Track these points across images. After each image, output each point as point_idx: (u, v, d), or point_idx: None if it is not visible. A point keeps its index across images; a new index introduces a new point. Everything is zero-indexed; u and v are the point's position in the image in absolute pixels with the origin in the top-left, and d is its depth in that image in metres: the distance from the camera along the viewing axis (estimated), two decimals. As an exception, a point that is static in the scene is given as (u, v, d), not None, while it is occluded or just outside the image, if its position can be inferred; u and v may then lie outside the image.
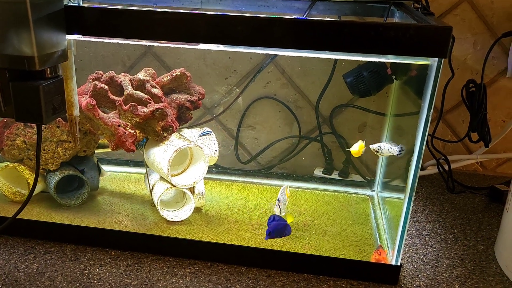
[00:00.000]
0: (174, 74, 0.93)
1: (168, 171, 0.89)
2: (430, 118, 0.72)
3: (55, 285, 0.79)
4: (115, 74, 0.91)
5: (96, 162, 1.03)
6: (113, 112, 0.88)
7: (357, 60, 1.00)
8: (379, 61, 0.97)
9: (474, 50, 1.17)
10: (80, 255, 0.88)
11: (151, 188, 0.98)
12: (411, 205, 0.78)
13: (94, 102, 0.85)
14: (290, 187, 1.12)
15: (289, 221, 0.85)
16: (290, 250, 0.87)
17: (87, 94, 0.89)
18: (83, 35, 0.73)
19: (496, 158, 1.27)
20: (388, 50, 0.68)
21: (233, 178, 1.15)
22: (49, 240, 0.91)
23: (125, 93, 0.87)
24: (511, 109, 1.22)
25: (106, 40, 0.77)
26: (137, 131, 0.87)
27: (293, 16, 0.74)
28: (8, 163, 0.97)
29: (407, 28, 0.65)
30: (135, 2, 1.03)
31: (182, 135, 0.95)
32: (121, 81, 0.89)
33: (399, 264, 0.82)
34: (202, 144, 0.98)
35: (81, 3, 0.98)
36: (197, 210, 1.00)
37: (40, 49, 0.64)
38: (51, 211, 0.97)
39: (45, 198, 1.01)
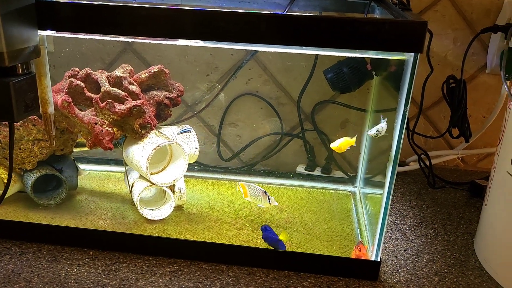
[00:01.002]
0: (152, 71, 0.92)
1: (147, 169, 0.88)
2: (407, 114, 0.72)
3: (30, 286, 0.78)
4: (91, 71, 0.89)
5: (73, 161, 1.01)
6: (89, 109, 0.86)
7: (338, 56, 1.00)
8: (359, 57, 0.97)
9: (454, 46, 1.18)
10: (57, 255, 0.86)
11: (130, 186, 0.97)
12: (390, 200, 0.78)
13: (70, 99, 0.84)
14: (272, 184, 1.12)
15: (282, 238, 0.85)
16: (271, 248, 0.86)
17: (63, 92, 0.87)
18: (56, 31, 0.71)
19: (477, 154, 1.28)
20: (365, 45, 0.67)
21: (215, 175, 1.14)
22: (26, 241, 0.89)
23: (102, 90, 0.86)
24: (491, 105, 1.23)
25: (81, 36, 0.76)
26: (115, 129, 0.86)
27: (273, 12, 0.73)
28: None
29: (382, 23, 0.65)
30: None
31: (161, 133, 0.94)
32: (97, 78, 0.87)
33: (379, 259, 0.82)
34: (182, 141, 0.97)
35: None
36: (178, 208, 0.99)
37: (10, 44, 0.62)
38: (28, 211, 0.95)
39: (22, 198, 0.99)
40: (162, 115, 0.94)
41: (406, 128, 0.97)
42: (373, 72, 0.98)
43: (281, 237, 0.85)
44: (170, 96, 0.91)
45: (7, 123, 0.91)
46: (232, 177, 1.14)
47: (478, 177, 1.21)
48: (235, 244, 0.87)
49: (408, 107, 0.71)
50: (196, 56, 1.13)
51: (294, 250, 0.86)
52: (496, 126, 1.22)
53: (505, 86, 0.89)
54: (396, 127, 0.73)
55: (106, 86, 0.86)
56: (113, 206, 0.99)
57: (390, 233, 0.98)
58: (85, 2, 0.69)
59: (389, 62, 0.92)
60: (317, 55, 1.06)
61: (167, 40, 0.78)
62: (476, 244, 0.94)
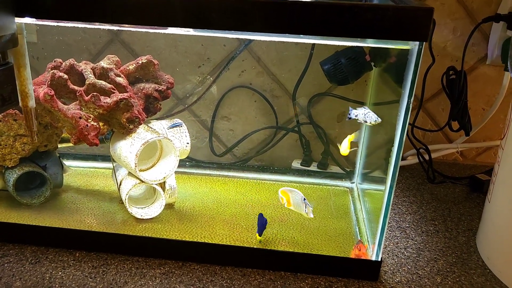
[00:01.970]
0: (140, 62, 0.87)
1: (135, 166, 0.84)
2: (411, 106, 0.68)
3: (12, 292, 0.73)
4: (75, 62, 0.84)
5: (57, 157, 0.96)
6: (73, 103, 0.81)
7: (335, 46, 0.96)
8: (357, 47, 0.93)
9: (454, 36, 1.14)
10: (41, 257, 0.82)
11: (118, 184, 0.92)
12: (392, 197, 0.75)
13: (53, 92, 0.79)
14: (267, 180, 1.08)
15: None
16: (266, 248, 0.83)
17: (45, 84, 0.82)
18: (36, 18, 0.66)
19: (476, 147, 1.25)
20: (365, 34, 0.63)
21: (208, 171, 1.10)
22: (8, 242, 0.85)
23: (87, 82, 0.81)
24: (491, 97, 1.20)
25: (64, 24, 0.71)
26: (101, 124, 0.81)
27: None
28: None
29: (385, 10, 0.61)
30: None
31: (150, 127, 0.89)
32: (82, 70, 0.82)
33: (379, 259, 0.79)
34: (173, 136, 0.92)
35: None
36: (169, 206, 0.94)
37: (-18, 32, 0.57)
38: (10, 210, 0.90)
39: (4, 197, 0.94)
40: (151, 108, 0.89)
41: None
42: (372, 63, 0.94)
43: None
44: (160, 88, 0.86)
45: (-15, 118, 0.86)
46: (225, 173, 1.09)
47: (477, 171, 1.18)
48: (229, 244, 0.83)
49: (412, 99, 0.67)
50: (187, 47, 1.08)
51: (290, 250, 0.82)
52: (496, 119, 1.19)
53: None
54: (399, 121, 0.69)
55: (91, 78, 0.81)
56: (100, 204, 0.94)
57: (389, 230, 0.95)
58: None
59: (389, 53, 0.88)
60: (313, 45, 1.02)
61: (157, 29, 0.74)
62: (478, 241, 0.91)
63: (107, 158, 1.09)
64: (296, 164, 1.13)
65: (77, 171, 1.06)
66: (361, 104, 1.03)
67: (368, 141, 1.02)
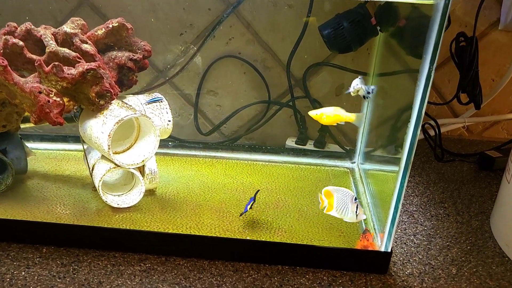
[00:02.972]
0: (111, 26, 0.74)
1: (109, 148, 0.72)
2: (432, 75, 0.57)
3: (-36, 298, 0.63)
4: (33, 27, 0.72)
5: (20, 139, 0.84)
6: (32, 75, 0.69)
7: (336, 8, 0.84)
8: (361, 9, 0.82)
9: (464, -2, 1.04)
10: (1, 254, 0.72)
11: (91, 169, 0.81)
12: (406, 180, 0.65)
13: (6, 62, 0.66)
14: (259, 161, 0.98)
15: None
16: (260, 239, 0.73)
17: (-3, 53, 0.69)
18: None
19: (484, 122, 1.16)
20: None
21: (193, 152, 1.00)
22: (-38, 238, 0.74)
23: (47, 50, 0.69)
24: (502, 66, 1.10)
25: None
26: (65, 99, 0.70)
27: None
28: None
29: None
30: None
31: (125, 103, 0.77)
32: (41, 36, 0.70)
33: (389, 250, 0.70)
34: (152, 113, 0.81)
35: None
36: (150, 193, 0.84)
37: None
38: (-34, 201, 0.79)
39: (-42, 185, 0.82)
40: (126, 81, 0.77)
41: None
42: (378, 28, 0.82)
43: None
44: (135, 57, 0.74)
45: None
46: (213, 153, 1.00)
47: (485, 148, 1.10)
48: (218, 235, 0.74)
49: (434, 66, 0.56)
50: (166, 11, 0.96)
51: (288, 242, 0.73)
52: (507, 90, 1.10)
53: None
54: (418, 92, 0.59)
55: (52, 45, 0.69)
56: (71, 192, 0.83)
57: (396, 215, 0.86)
58: None
59: (398, 15, 0.77)
60: (310, 6, 0.90)
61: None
62: (493, 226, 0.83)
63: (79, 139, 0.97)
64: (290, 142, 1.03)
65: (44, 154, 0.94)
66: (364, 74, 0.93)
67: (371, 116, 0.92)
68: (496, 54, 1.09)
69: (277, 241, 0.73)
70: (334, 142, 1.01)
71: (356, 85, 0.73)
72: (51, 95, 0.67)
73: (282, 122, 1.05)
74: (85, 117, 0.76)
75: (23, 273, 0.69)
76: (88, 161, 0.83)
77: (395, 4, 0.76)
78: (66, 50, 0.69)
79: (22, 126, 0.85)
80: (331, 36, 0.83)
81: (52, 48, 0.69)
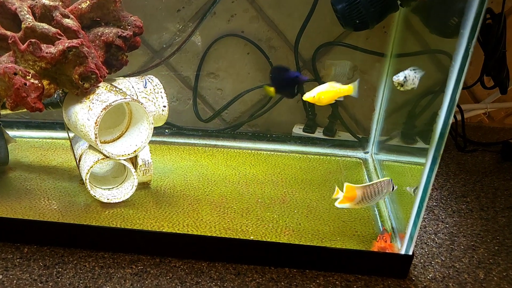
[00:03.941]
0: (96, -1, 0.65)
1: (96, 137, 0.65)
2: (470, 54, 0.49)
3: None
4: (7, -1, 0.63)
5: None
6: (6, 54, 0.61)
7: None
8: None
9: (491, -30, 0.94)
10: (-22, 256, 0.65)
11: (78, 159, 0.73)
12: (434, 174, 0.57)
13: (-25, 40, 0.58)
14: (264, 150, 0.90)
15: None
16: (265, 239, 0.66)
17: (-34, 29, 0.61)
18: None
19: (506, 108, 1.08)
20: None
21: (191, 140, 0.93)
22: None
23: (23, 26, 0.61)
24: (529, 47, 1.01)
25: None
26: (45, 82, 0.62)
27: None
28: None
29: None
30: None
31: (114, 87, 0.69)
32: (16, 9, 0.62)
33: (410, 253, 0.62)
34: (145, 98, 0.72)
35: None
36: (143, 186, 0.76)
37: None
38: None
39: None
40: (114, 61, 0.69)
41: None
42: (399, 2, 0.73)
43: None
44: (124, 34, 0.66)
45: None
46: (213, 142, 0.93)
47: (508, 136, 1.02)
48: (218, 234, 0.67)
49: (474, 42, 0.48)
50: (162, -15, 0.87)
51: (296, 242, 0.65)
52: (534, 73, 1.01)
53: None
54: (453, 73, 0.50)
55: (29, 20, 0.61)
56: (57, 185, 0.76)
57: (414, 211, 0.78)
58: None
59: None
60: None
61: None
62: (523, 223, 0.75)
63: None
64: (297, 130, 0.95)
65: (30, 143, 0.87)
66: (381, 55, 0.84)
67: (387, 102, 0.84)
68: (524, 33, 1.00)
69: (284, 241, 0.66)
70: (346, 130, 0.93)
71: (409, 76, 0.63)
72: (28, 77, 0.59)
73: (289, 107, 0.97)
74: (69, 102, 0.68)
75: (0, 276, 0.62)
76: (75, 151, 0.75)
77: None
78: (45, 26, 0.61)
79: (3, 112, 0.77)
80: (345, 12, 0.74)
81: (29, 24, 0.60)
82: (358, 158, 0.89)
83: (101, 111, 0.64)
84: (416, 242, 0.71)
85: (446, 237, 0.73)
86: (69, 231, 0.67)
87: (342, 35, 0.90)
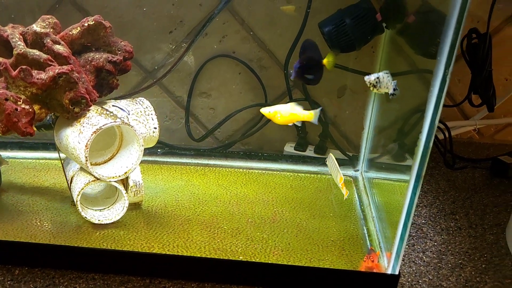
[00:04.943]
0: (87, 24, 0.67)
1: (86, 160, 0.66)
2: (448, 79, 0.50)
3: None
4: (-1, 26, 0.64)
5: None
6: (-2, 80, 0.62)
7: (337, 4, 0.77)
8: (365, 4, 0.74)
9: (476, -9, 0.96)
10: (-31, 278, 0.65)
11: (69, 181, 0.74)
12: (419, 189, 0.58)
13: (-33, 66, 0.59)
14: (255, 169, 0.91)
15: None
16: (255, 260, 0.66)
17: (-40, 56, 0.62)
18: None
19: (495, 124, 1.09)
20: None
21: (183, 160, 0.93)
22: None
23: (15, 52, 0.62)
24: (517, 65, 1.03)
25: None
26: (36, 107, 0.63)
27: None
28: None
29: None
30: None
31: (105, 110, 0.70)
32: (8, 36, 0.63)
33: (397, 273, 0.63)
34: (136, 120, 0.73)
35: None
36: (135, 206, 0.77)
37: None
38: None
39: None
40: (105, 85, 0.70)
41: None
42: (384, 24, 0.75)
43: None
44: (114, 59, 0.67)
45: None
46: (205, 161, 0.93)
47: (497, 152, 1.03)
48: (208, 255, 0.67)
49: (450, 69, 0.49)
50: (154, 7, 0.89)
51: (284, 263, 0.66)
52: (522, 91, 1.03)
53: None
54: (432, 98, 0.52)
55: (20, 46, 0.62)
56: (49, 206, 0.77)
57: (403, 229, 0.79)
58: None
59: (406, 10, 0.70)
60: (310, 1, 0.82)
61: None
62: (510, 240, 0.76)
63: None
64: (289, 148, 0.96)
65: (23, 164, 0.87)
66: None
67: (376, 119, 0.85)
68: (511, 51, 1.01)
69: (273, 262, 0.66)
70: (336, 148, 0.94)
71: (383, 78, 0.65)
72: (19, 103, 0.61)
73: (280, 126, 0.97)
74: (60, 125, 0.69)
75: (-9, 299, 0.62)
76: (67, 173, 0.76)
77: (403, -2, 0.69)
78: (36, 52, 0.62)
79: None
80: (332, 34, 0.75)
81: (20, 50, 0.62)
82: (348, 176, 0.90)
83: (92, 135, 0.65)
84: (404, 261, 0.72)
85: (434, 255, 0.73)
86: (60, 253, 0.67)
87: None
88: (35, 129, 0.67)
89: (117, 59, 0.67)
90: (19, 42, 0.62)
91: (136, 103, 0.75)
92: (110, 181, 0.70)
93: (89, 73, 0.67)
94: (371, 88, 0.69)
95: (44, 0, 0.89)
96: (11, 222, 0.72)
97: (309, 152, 0.95)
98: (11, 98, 0.60)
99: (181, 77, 0.95)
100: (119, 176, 0.70)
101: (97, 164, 0.72)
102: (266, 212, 0.77)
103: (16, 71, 0.60)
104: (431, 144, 0.56)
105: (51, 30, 0.65)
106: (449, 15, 0.48)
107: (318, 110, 0.71)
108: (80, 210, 0.71)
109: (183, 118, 0.97)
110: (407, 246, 0.75)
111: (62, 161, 0.77)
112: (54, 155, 0.91)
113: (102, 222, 0.72)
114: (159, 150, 0.93)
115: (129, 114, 0.69)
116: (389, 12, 0.73)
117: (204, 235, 0.71)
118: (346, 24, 0.74)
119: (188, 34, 0.91)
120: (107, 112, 0.69)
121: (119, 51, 0.69)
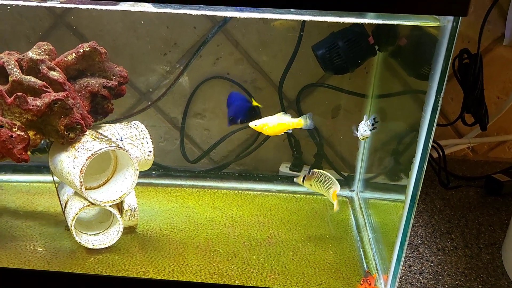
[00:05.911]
0: (82, 51, 0.67)
1: (81, 185, 0.65)
2: (439, 105, 0.51)
3: None
4: (-5, 53, 0.65)
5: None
6: (-7, 107, 0.62)
7: (331, 26, 0.78)
8: (357, 28, 0.75)
9: (467, 13, 0.97)
10: (-40, 307, 0.64)
11: (63, 206, 0.74)
12: (414, 211, 0.58)
13: (-38, 93, 0.59)
14: (250, 190, 0.91)
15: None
16: (251, 284, 0.66)
17: (-46, 83, 0.62)
18: None
19: (489, 142, 1.10)
20: (382, 7, 0.46)
21: (179, 181, 0.93)
22: None
23: (10, 79, 0.62)
24: (507, 83, 1.04)
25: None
26: (31, 133, 0.63)
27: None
28: None
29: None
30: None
31: (99, 134, 0.70)
32: (3, 63, 0.63)
33: (394, 296, 0.63)
34: (131, 143, 0.73)
35: None
36: (130, 230, 0.76)
37: None
38: None
39: None
40: (100, 110, 0.70)
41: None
42: (376, 47, 0.76)
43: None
44: (109, 84, 0.67)
45: None
46: (200, 183, 0.92)
47: (492, 170, 1.03)
48: (203, 279, 0.67)
49: (442, 94, 0.50)
50: (149, 29, 0.89)
51: (280, 287, 0.65)
52: (514, 109, 1.04)
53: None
54: (424, 123, 0.52)
55: (16, 73, 0.62)
56: (43, 231, 0.76)
57: (399, 250, 0.79)
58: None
59: (398, 33, 0.71)
60: (303, 24, 0.83)
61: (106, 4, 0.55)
62: (506, 259, 0.76)
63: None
64: (284, 169, 0.96)
65: (17, 188, 0.87)
66: (362, 96, 0.86)
67: (371, 140, 0.86)
68: (502, 70, 1.03)
69: (269, 286, 0.66)
70: (332, 168, 0.94)
71: (365, 131, 0.67)
72: (14, 129, 0.60)
73: (275, 146, 0.98)
74: (55, 150, 0.69)
75: (-17, 329, 0.61)
76: (61, 197, 0.75)
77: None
78: (32, 79, 0.62)
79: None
80: (325, 57, 0.76)
81: (16, 77, 0.62)
82: (344, 196, 0.90)
83: (86, 160, 0.65)
84: (401, 282, 0.71)
85: (431, 276, 0.73)
86: (54, 279, 0.67)
87: (325, 75, 0.92)
88: (30, 153, 0.67)
89: (112, 84, 0.68)
90: (14, 69, 0.62)
91: (131, 126, 0.76)
92: (104, 205, 0.70)
93: (84, 98, 0.67)
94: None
95: (39, 23, 0.90)
96: (4, 248, 0.71)
97: (305, 172, 0.95)
98: (6, 124, 0.60)
99: (176, 99, 0.95)
100: (114, 200, 0.70)
101: (91, 188, 0.72)
102: (262, 235, 0.77)
103: (11, 98, 0.60)
104: (425, 167, 0.56)
105: (47, 56, 0.65)
106: (441, 38, 0.49)
107: (307, 115, 0.72)
108: (75, 235, 0.70)
109: (178, 140, 0.97)
110: (403, 267, 0.75)
111: (56, 185, 0.77)
112: (48, 178, 0.90)
113: (97, 247, 0.72)
114: (153, 172, 0.93)
115: (122, 140, 0.69)
116: (381, 35, 0.74)
117: (199, 259, 0.71)
118: (339, 47, 0.75)
119: (183, 56, 0.92)
120: (102, 137, 0.69)
121: (114, 76, 0.69)
